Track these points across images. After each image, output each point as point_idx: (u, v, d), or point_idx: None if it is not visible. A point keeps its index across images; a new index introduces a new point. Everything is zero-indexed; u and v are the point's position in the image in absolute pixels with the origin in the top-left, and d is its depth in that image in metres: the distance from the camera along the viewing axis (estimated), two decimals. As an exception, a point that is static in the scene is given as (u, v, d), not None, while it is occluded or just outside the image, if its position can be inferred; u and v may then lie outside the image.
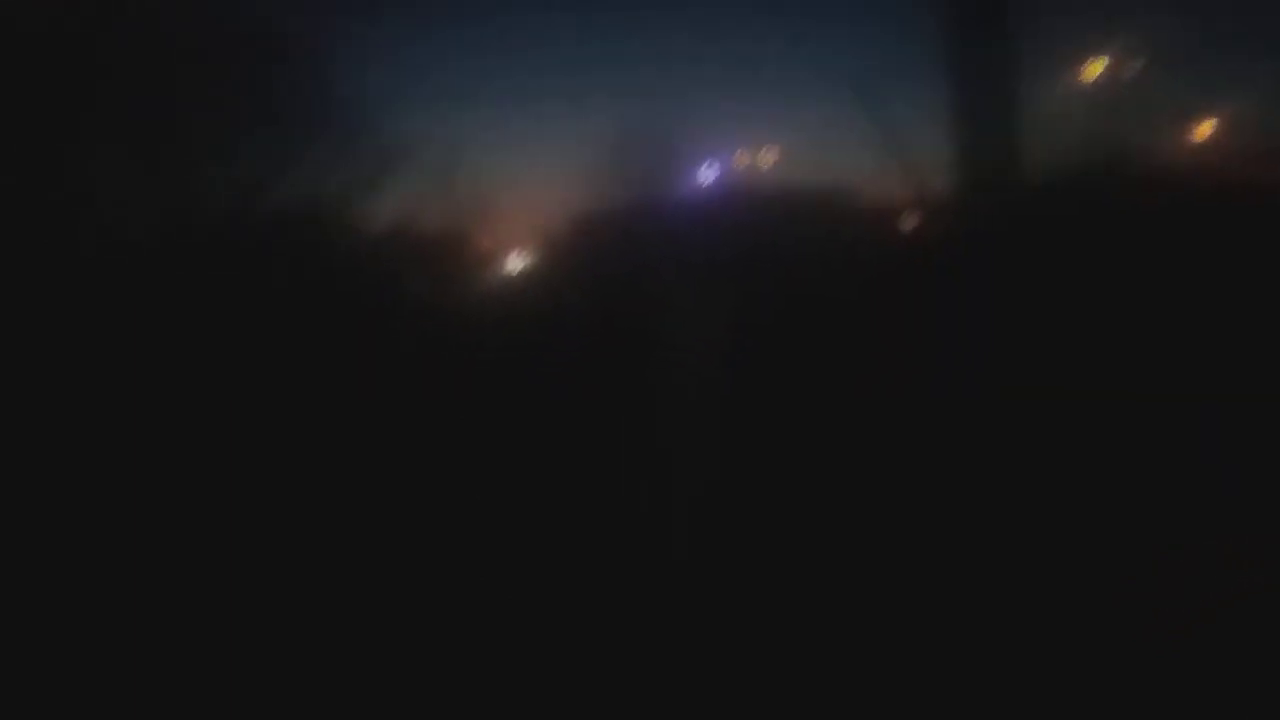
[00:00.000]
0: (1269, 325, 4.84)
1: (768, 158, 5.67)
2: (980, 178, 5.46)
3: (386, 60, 5.71)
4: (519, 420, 5.15)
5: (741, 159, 5.70)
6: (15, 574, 3.79)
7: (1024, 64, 5.71)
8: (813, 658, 3.51)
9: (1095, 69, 6.05)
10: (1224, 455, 4.22)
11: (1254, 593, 3.47)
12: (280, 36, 5.52)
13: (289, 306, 5.24)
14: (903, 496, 4.40)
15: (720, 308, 5.33)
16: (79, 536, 4.06)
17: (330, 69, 5.60)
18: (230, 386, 4.87)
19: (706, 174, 5.72)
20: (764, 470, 4.78)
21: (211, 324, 5.01)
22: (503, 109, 5.74)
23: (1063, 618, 3.44)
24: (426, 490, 4.73)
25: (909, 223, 5.68)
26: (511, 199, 5.63)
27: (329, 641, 3.64)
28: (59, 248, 5.01)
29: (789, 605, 3.86)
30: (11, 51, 5.05)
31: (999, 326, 4.98)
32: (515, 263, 5.58)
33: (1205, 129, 6.12)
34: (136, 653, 3.46)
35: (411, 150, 5.53)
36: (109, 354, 4.71)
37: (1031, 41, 5.73)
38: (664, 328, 5.41)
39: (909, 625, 3.56)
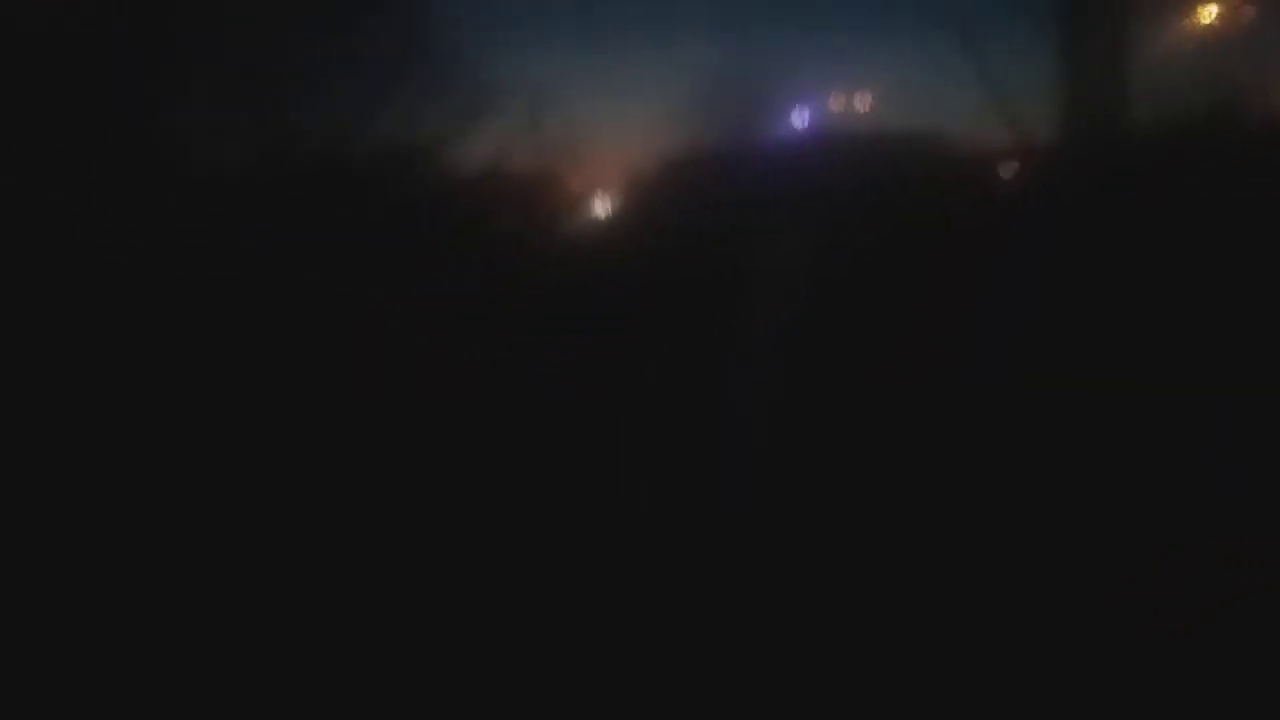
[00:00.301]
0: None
1: (863, 102, 5.53)
2: (1085, 126, 5.28)
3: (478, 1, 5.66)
4: (611, 362, 5.20)
5: (836, 103, 5.57)
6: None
7: (1133, 5, 5.48)
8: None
9: (1208, 11, 5.77)
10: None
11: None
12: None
13: (383, 246, 5.31)
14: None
15: (812, 254, 5.29)
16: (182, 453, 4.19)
17: (422, 9, 5.59)
18: (323, 324, 4.97)
19: (799, 118, 5.60)
20: (849, 424, 4.78)
21: (304, 262, 5.10)
22: (593, 50, 5.67)
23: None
24: (512, 426, 4.82)
25: (1009, 172, 5.52)
26: (601, 142, 5.59)
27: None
28: (155, 186, 5.11)
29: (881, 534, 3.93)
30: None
31: (1098, 281, 4.86)
32: (604, 206, 5.57)
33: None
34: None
35: (502, 92, 5.52)
36: (204, 289, 4.82)
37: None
38: (754, 273, 5.39)
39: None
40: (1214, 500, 3.94)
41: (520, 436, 4.79)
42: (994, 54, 5.41)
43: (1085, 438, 4.34)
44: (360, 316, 5.05)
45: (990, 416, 4.57)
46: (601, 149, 5.62)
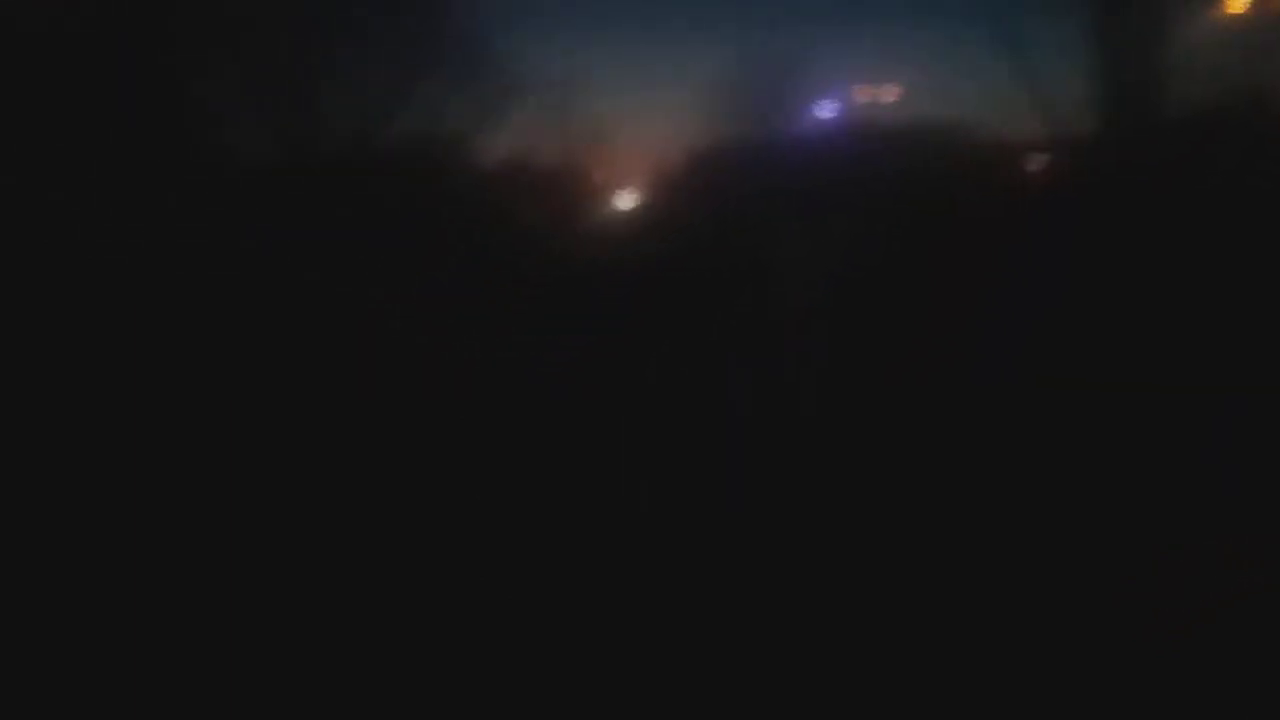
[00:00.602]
0: None
1: (890, 93, 5.47)
2: (1117, 115, 5.20)
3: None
4: (637, 349, 5.18)
5: (863, 93, 5.51)
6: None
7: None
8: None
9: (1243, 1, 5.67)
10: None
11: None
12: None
13: (409, 234, 5.30)
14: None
15: (838, 245, 5.24)
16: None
17: (448, 3, 5.57)
18: (349, 308, 4.97)
19: (825, 109, 5.55)
20: (877, 416, 4.75)
21: (330, 253, 5.10)
22: (618, 43, 5.63)
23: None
24: (534, 418, 4.80)
25: (1039, 162, 5.45)
26: (627, 134, 5.57)
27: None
28: (186, 173, 5.12)
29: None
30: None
31: (1128, 271, 4.79)
32: (630, 198, 5.54)
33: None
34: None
35: (529, 84, 5.50)
36: (235, 273, 4.83)
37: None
38: (780, 265, 5.35)
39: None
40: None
41: (541, 429, 4.77)
42: (1024, 43, 5.34)
43: (1118, 430, 4.30)
44: (386, 306, 5.05)
45: (1020, 410, 4.52)
46: (626, 141, 5.59)
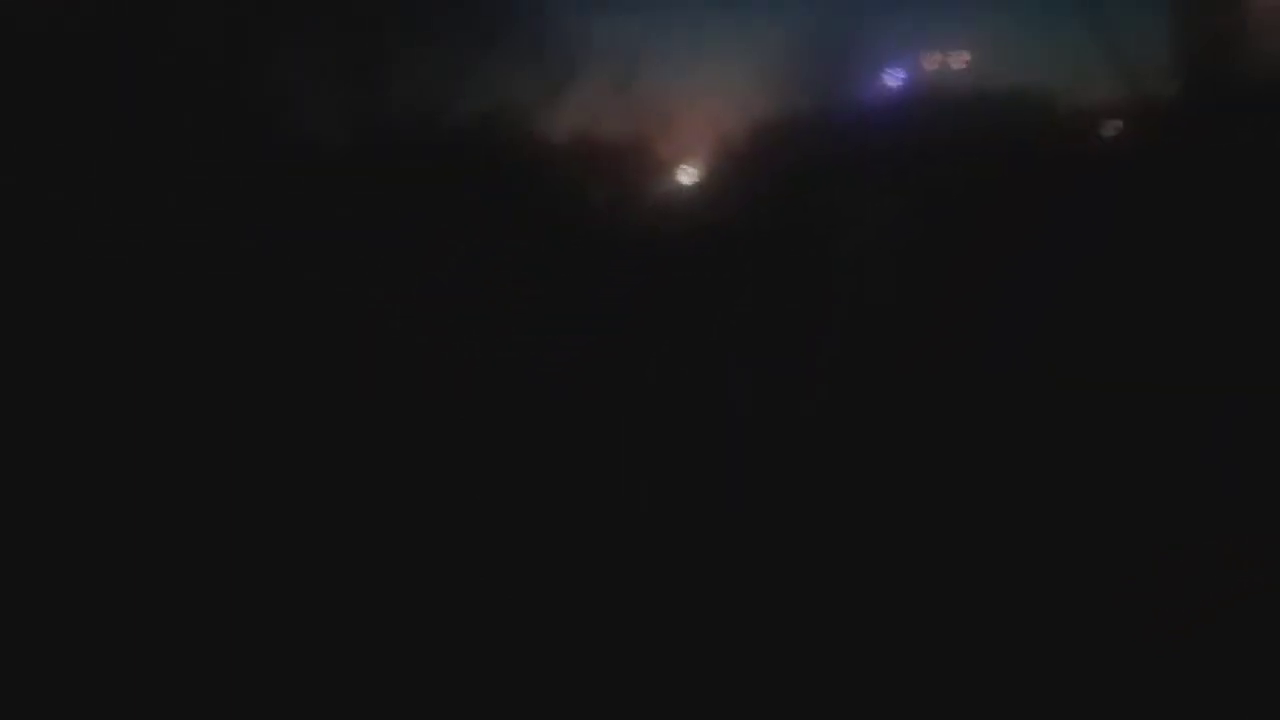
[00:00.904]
0: None
1: (960, 60, 5.37)
2: (1202, 81, 5.07)
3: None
4: (699, 329, 5.20)
5: (931, 62, 5.41)
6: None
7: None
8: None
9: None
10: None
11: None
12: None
13: (471, 213, 5.34)
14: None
15: (908, 218, 5.19)
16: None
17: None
18: (408, 290, 5.03)
19: (892, 79, 5.47)
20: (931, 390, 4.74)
21: (393, 229, 5.15)
22: (681, 11, 5.57)
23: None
24: (597, 395, 4.86)
25: (1117, 130, 5.34)
26: (691, 105, 5.53)
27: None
28: (245, 152, 5.18)
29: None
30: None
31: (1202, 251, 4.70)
32: (693, 172, 5.52)
33: None
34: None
35: (591, 58, 5.47)
36: (292, 255, 4.90)
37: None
38: (847, 237, 5.32)
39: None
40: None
41: (611, 398, 4.83)
42: (1099, 5, 5.19)
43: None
44: (451, 283, 5.11)
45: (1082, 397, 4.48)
46: (691, 112, 5.55)
